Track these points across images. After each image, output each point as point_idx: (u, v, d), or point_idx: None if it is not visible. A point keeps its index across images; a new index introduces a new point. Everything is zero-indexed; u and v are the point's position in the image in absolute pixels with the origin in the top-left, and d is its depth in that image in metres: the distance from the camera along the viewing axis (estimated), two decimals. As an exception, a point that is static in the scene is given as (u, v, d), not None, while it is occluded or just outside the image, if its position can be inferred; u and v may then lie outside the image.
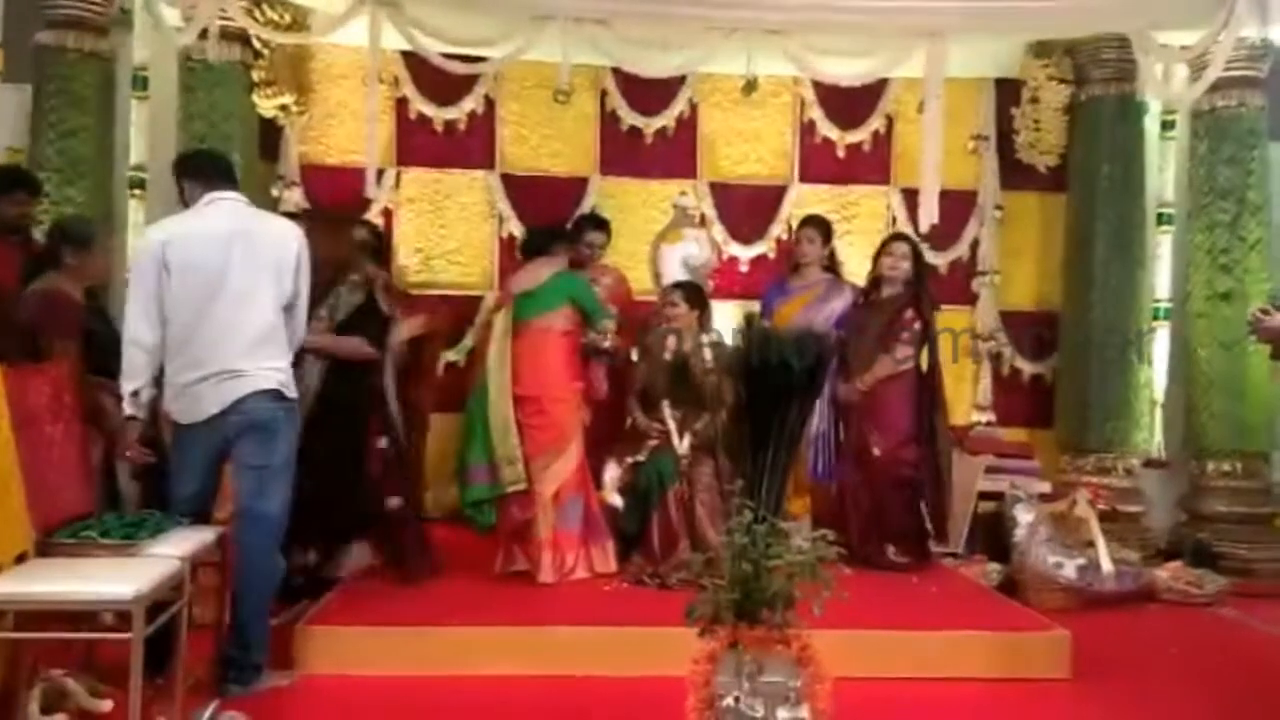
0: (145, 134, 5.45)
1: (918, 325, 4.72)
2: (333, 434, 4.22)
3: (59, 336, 3.70)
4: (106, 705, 3.13)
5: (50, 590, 2.79)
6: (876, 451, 4.71)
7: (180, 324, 3.31)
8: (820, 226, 5.24)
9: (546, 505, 4.31)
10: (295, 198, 5.77)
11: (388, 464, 4.42)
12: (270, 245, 3.43)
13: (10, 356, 3.12)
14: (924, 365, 4.80)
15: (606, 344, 4.55)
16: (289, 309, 3.46)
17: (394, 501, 4.38)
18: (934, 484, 4.74)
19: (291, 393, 3.44)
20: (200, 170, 3.54)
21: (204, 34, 4.88)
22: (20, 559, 2.92)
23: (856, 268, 5.37)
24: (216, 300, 3.32)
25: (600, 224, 5.29)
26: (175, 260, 3.31)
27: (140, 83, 5.41)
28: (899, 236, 5.10)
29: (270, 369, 3.37)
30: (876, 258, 4.90)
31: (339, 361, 4.35)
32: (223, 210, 3.44)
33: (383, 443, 4.41)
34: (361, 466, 4.36)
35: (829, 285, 5.13)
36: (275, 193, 5.74)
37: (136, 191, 5.41)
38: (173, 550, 3.11)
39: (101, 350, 3.65)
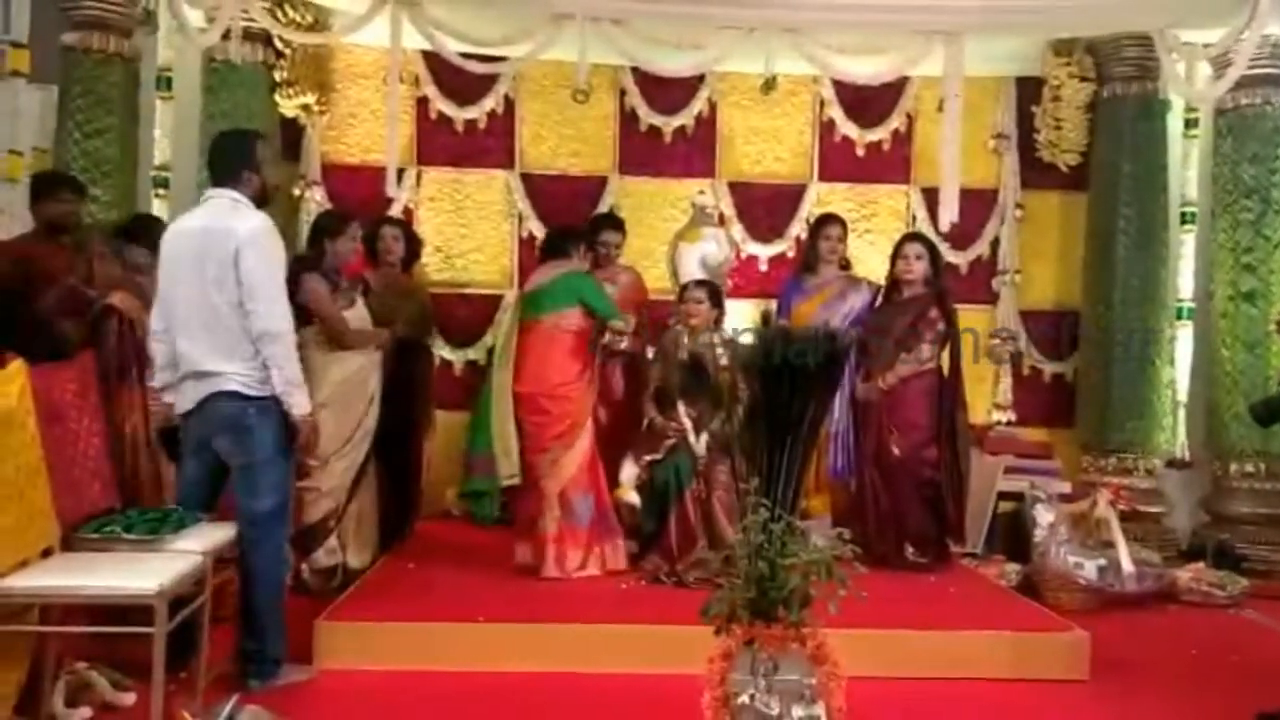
0: (169, 134, 5.51)
1: (941, 325, 4.71)
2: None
3: (76, 331, 3.76)
4: (129, 698, 3.18)
5: (75, 584, 2.83)
6: (896, 451, 4.70)
7: (168, 319, 3.40)
8: (843, 225, 5.26)
9: (552, 501, 4.34)
10: (316, 196, 5.81)
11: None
12: (218, 245, 3.30)
13: (34, 354, 3.16)
14: (945, 365, 4.79)
15: (623, 344, 4.56)
16: (244, 306, 3.30)
17: None
18: (953, 484, 4.73)
19: (256, 390, 3.33)
20: (209, 163, 3.59)
21: (227, 35, 4.93)
22: (46, 553, 2.96)
23: (877, 267, 5.36)
24: (185, 301, 3.35)
25: (616, 223, 5.31)
26: (163, 257, 3.42)
27: (164, 83, 5.48)
28: (911, 237, 5.03)
29: (230, 371, 3.32)
30: (892, 259, 4.88)
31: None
32: (207, 208, 3.44)
33: None
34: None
35: (847, 283, 5.13)
36: (296, 192, 5.79)
37: (161, 191, 5.47)
38: (195, 545, 3.16)
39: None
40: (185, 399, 3.41)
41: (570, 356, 4.44)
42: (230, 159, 3.49)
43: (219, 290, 3.30)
